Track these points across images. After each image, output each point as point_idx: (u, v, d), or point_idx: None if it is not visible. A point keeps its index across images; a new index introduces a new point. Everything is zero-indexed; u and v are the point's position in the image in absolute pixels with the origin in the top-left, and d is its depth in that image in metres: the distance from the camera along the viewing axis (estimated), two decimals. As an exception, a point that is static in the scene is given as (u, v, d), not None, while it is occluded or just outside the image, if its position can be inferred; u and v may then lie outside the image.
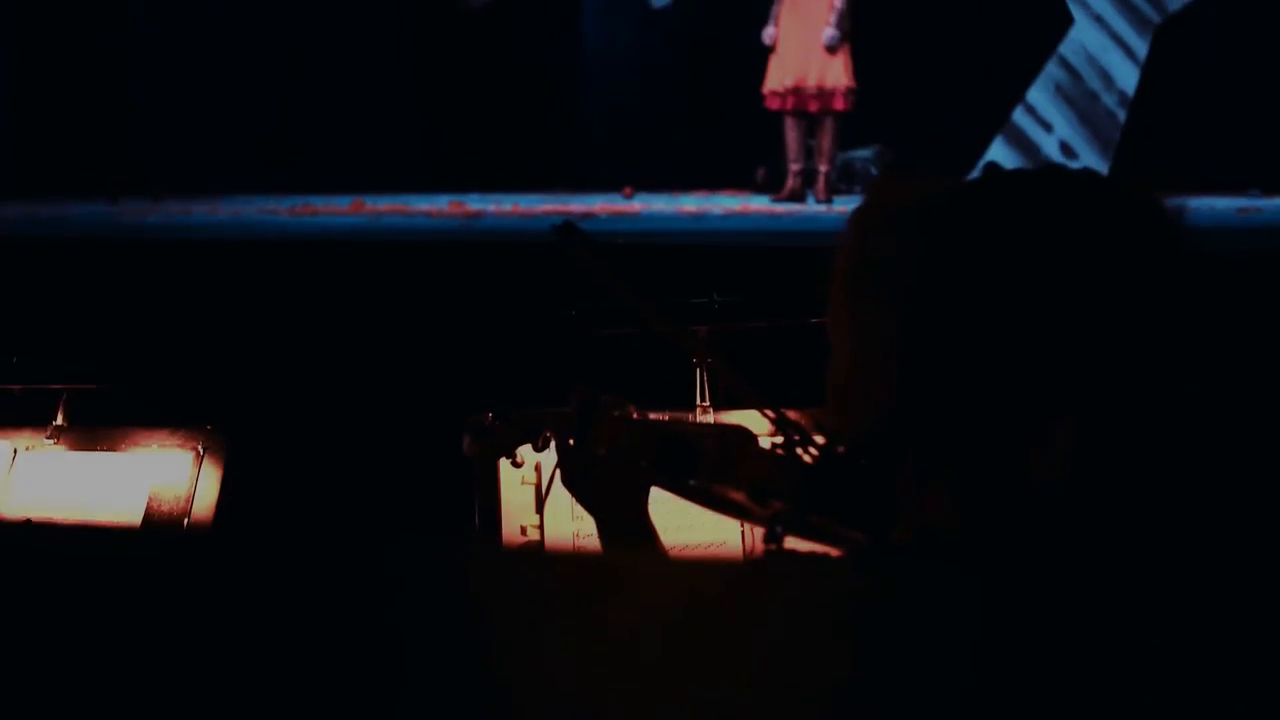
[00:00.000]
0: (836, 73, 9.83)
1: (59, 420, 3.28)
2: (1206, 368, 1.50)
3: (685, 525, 2.76)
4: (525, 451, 2.40)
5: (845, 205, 9.86)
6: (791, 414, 2.65)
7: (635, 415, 2.17)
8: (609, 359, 3.48)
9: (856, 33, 10.04)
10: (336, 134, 13.43)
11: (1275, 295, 3.93)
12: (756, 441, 1.71)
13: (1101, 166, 10.68)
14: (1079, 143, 10.70)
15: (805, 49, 9.86)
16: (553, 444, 2.29)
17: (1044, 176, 1.55)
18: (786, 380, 2.57)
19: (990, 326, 1.46)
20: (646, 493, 2.23)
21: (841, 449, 1.53)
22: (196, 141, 12.94)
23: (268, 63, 13.26)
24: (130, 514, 3.10)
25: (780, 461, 1.58)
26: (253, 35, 13.23)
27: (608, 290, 1.81)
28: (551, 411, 2.30)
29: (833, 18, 9.80)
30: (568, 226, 1.87)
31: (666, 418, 2.85)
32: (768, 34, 10.05)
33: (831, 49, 9.80)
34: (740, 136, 13.04)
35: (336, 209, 8.69)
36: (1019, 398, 1.46)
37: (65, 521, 3.09)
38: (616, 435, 2.16)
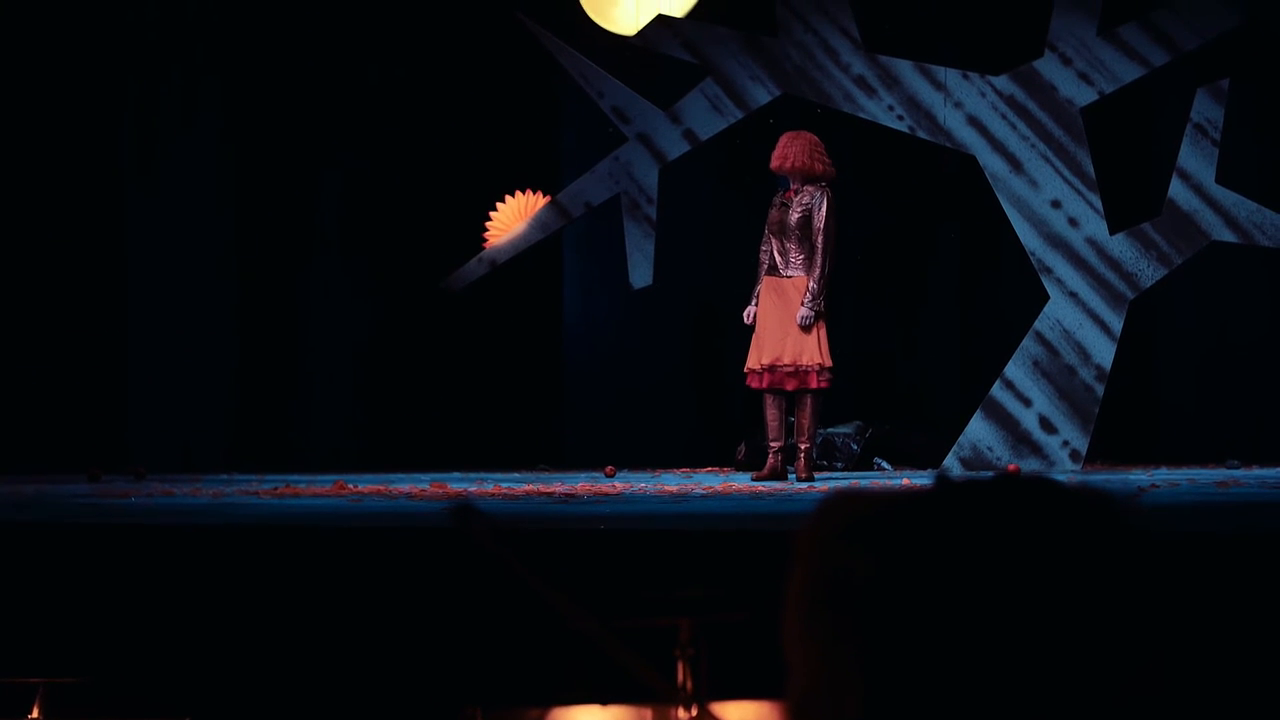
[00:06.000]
0: (811, 352, 9.97)
1: (35, 715, 3.25)
2: (1186, 657, 1.49)
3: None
4: None
5: (827, 484, 9.89)
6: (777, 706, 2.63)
7: None
8: (595, 649, 3.45)
9: (833, 312, 10.19)
10: (318, 413, 13.48)
11: (1262, 579, 3.92)
12: None
13: (1080, 440, 10.74)
14: (1058, 417, 10.79)
15: (781, 329, 10.01)
16: None
17: (996, 487, 1.55)
18: (772, 671, 2.55)
19: (953, 640, 1.44)
20: None
21: None
22: (179, 420, 12.98)
23: (251, 340, 13.36)
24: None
25: None
26: (236, 314, 13.35)
27: (510, 574, 1.78)
28: None
29: (806, 298, 9.95)
30: (464, 509, 1.83)
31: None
32: (747, 314, 10.24)
33: (805, 329, 9.94)
34: (721, 415, 13.14)
35: (318, 490, 8.70)
36: (987, 709, 1.44)
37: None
38: None
